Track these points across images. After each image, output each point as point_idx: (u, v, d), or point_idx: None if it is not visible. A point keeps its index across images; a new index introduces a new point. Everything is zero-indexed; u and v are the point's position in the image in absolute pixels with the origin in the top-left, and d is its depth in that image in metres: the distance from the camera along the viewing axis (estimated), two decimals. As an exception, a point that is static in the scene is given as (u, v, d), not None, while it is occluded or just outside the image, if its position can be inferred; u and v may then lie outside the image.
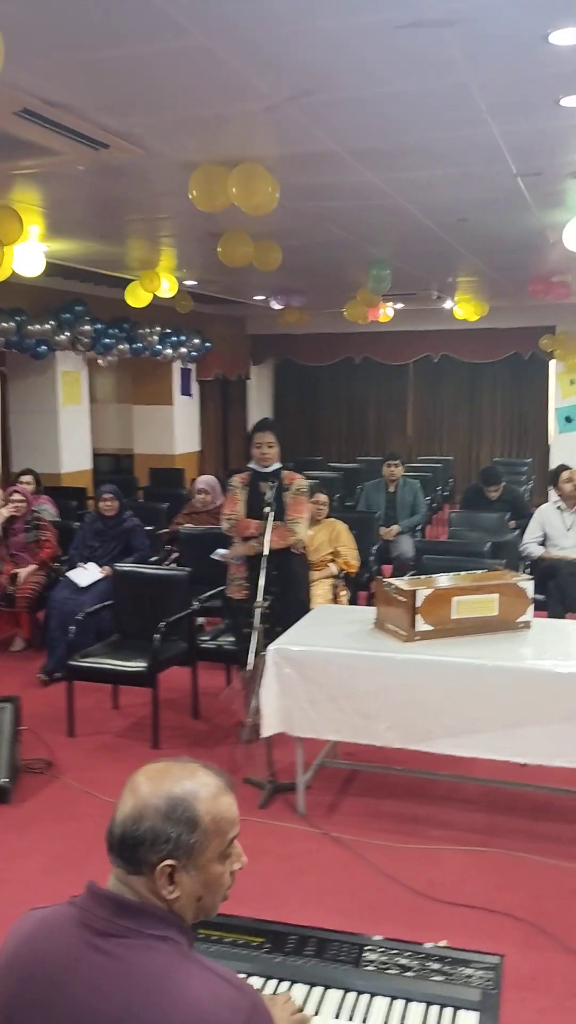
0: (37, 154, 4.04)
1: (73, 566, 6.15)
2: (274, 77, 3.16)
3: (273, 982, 1.85)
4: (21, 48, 2.77)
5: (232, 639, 5.12)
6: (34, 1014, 1.34)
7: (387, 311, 10.25)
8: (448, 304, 10.74)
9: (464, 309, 10.60)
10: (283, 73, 3.12)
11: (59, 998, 1.33)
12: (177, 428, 11.87)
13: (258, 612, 4.23)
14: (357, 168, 4.40)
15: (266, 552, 4.30)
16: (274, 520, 4.38)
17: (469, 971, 1.83)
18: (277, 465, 4.70)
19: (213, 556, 5.35)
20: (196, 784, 1.42)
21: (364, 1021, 1.74)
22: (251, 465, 4.74)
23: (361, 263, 7.61)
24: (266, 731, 3.89)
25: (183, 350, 11.14)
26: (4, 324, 8.04)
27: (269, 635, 4.09)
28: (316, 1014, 1.76)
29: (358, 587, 6.47)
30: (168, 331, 10.63)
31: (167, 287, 7.68)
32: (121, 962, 1.32)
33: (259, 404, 14.27)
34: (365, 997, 1.80)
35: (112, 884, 1.41)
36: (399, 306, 11.01)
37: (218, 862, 1.42)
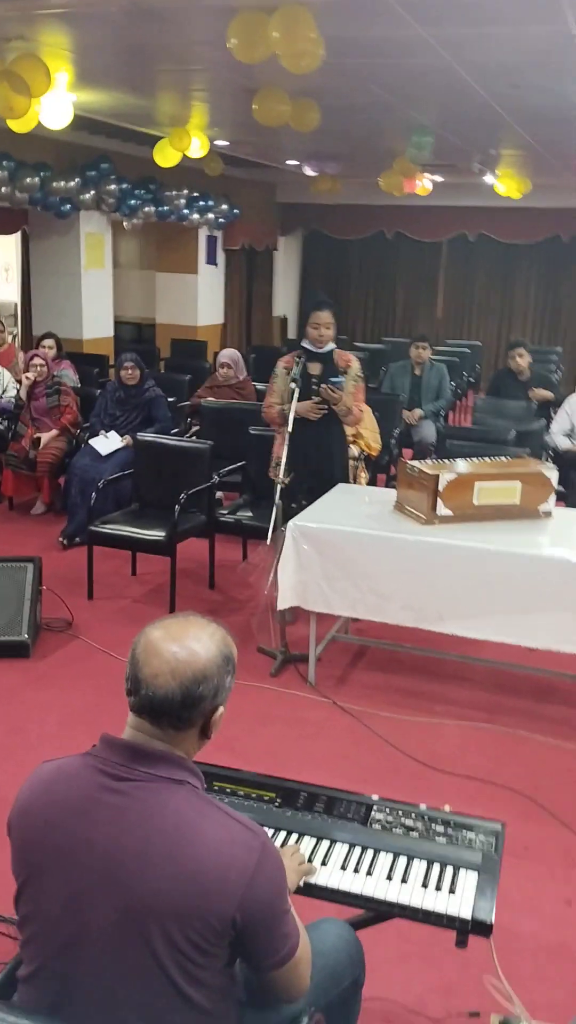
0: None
1: (94, 434, 6.15)
2: None
3: (282, 834, 1.95)
4: None
5: (250, 514, 5.16)
6: (56, 856, 1.41)
7: (425, 183, 9.79)
8: (489, 179, 10.24)
9: (506, 184, 10.10)
10: None
11: (80, 839, 1.40)
12: (201, 298, 11.57)
13: (279, 488, 4.24)
14: (407, 20, 4.10)
15: (290, 429, 4.28)
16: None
17: (472, 835, 1.92)
18: (331, 346, 4.61)
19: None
20: (222, 632, 1.52)
21: (368, 874, 1.84)
22: (304, 344, 4.60)
23: (402, 128, 7.21)
24: (281, 604, 3.98)
25: (210, 216, 10.74)
26: (28, 180, 7.75)
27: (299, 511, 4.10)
28: (323, 865, 1.87)
29: (378, 469, 6.46)
30: (196, 195, 10.23)
31: (198, 146, 7.32)
32: (141, 802, 1.40)
33: (285, 277, 13.85)
34: (369, 852, 1.90)
35: (129, 735, 1.46)
36: (437, 178, 10.50)
37: None
